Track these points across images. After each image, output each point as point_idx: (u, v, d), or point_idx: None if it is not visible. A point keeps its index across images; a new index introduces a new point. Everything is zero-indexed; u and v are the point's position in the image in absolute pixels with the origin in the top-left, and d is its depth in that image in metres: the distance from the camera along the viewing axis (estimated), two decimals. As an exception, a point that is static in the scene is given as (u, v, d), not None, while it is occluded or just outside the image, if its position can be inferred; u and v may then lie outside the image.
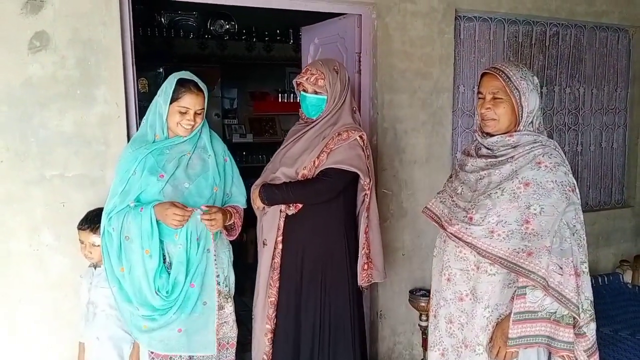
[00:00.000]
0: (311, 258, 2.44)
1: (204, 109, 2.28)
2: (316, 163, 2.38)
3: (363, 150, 2.43)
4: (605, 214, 4.09)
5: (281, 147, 2.61)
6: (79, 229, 2.32)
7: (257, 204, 2.45)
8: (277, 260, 2.46)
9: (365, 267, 2.55)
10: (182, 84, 2.23)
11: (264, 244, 2.49)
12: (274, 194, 2.39)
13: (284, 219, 2.44)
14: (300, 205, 2.41)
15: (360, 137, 2.42)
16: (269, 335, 2.50)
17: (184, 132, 2.25)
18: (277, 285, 2.47)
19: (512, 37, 3.58)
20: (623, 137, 4.18)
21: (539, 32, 3.68)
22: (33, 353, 2.44)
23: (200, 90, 2.26)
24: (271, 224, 2.46)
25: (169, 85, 2.23)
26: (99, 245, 2.26)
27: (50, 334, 2.44)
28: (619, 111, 4.11)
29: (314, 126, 2.48)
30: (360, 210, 2.55)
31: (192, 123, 2.25)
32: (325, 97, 2.44)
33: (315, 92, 2.44)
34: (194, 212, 2.16)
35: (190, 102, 2.22)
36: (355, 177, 2.43)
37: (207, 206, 2.20)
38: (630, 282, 3.88)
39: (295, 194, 2.37)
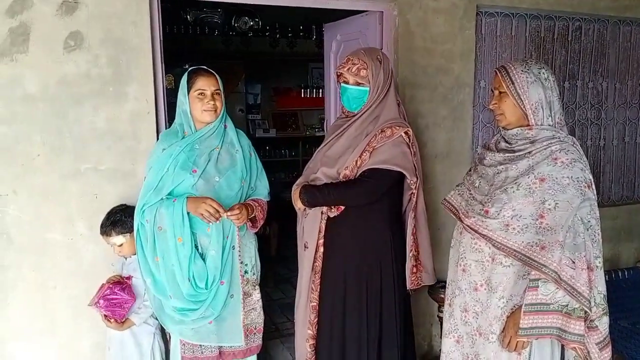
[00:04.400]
0: (355, 262, 2.31)
1: (220, 90, 2.39)
2: (358, 163, 2.25)
3: (409, 147, 2.27)
4: (627, 208, 4.06)
5: (322, 144, 2.48)
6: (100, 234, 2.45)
7: (298, 204, 2.34)
8: (319, 264, 2.35)
9: (414, 269, 2.39)
10: (192, 72, 2.39)
11: (305, 247, 2.38)
12: (314, 196, 2.27)
13: (325, 221, 2.32)
14: (342, 207, 2.29)
15: (406, 133, 2.26)
16: (311, 342, 2.40)
17: (210, 116, 2.36)
18: (319, 289, 2.36)
19: (534, 32, 3.58)
20: (647, 131, 4.15)
21: (562, 26, 3.67)
22: (65, 339, 2.56)
23: (210, 72, 2.39)
24: (312, 226, 2.34)
25: (182, 80, 2.39)
26: (121, 245, 2.41)
27: (81, 320, 2.56)
28: (643, 106, 4.08)
29: (355, 121, 2.34)
30: (407, 209, 2.40)
31: (212, 102, 2.35)
32: (368, 88, 2.29)
33: (357, 83, 2.30)
34: (223, 216, 2.25)
35: (203, 82, 2.35)
36: (401, 176, 2.28)
37: (230, 209, 2.27)
38: (651, 277, 3.87)
39: (336, 196, 2.24)
